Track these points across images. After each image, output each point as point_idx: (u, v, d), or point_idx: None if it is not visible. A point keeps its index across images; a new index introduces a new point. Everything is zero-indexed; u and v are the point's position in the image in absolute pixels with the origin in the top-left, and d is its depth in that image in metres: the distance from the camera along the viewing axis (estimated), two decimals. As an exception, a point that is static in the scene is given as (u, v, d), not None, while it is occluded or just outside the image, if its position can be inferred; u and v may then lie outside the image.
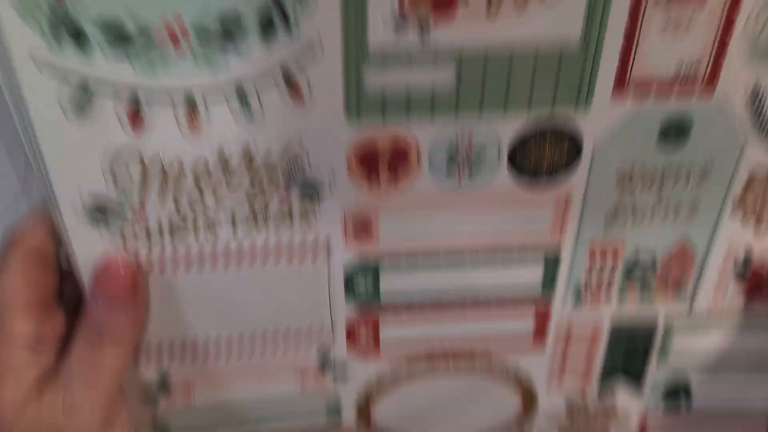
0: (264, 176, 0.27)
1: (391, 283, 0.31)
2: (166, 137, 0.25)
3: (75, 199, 0.26)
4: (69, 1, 0.22)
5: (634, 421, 0.36)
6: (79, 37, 0.23)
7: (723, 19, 0.25)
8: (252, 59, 0.24)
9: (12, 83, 0.23)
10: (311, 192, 0.28)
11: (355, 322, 0.32)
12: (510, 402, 0.36)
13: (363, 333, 0.32)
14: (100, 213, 0.26)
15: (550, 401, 0.36)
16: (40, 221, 0.30)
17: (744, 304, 0.33)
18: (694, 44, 0.25)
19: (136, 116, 0.25)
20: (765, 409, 0.35)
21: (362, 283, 0.31)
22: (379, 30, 0.24)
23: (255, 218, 0.28)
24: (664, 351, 0.34)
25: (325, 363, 0.32)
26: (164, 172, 0.26)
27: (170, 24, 0.23)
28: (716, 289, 0.32)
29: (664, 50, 0.25)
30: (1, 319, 0.28)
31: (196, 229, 0.28)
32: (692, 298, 0.32)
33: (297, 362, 0.32)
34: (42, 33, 0.22)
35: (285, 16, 0.23)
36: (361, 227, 0.29)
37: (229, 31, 0.23)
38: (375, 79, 0.25)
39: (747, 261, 0.31)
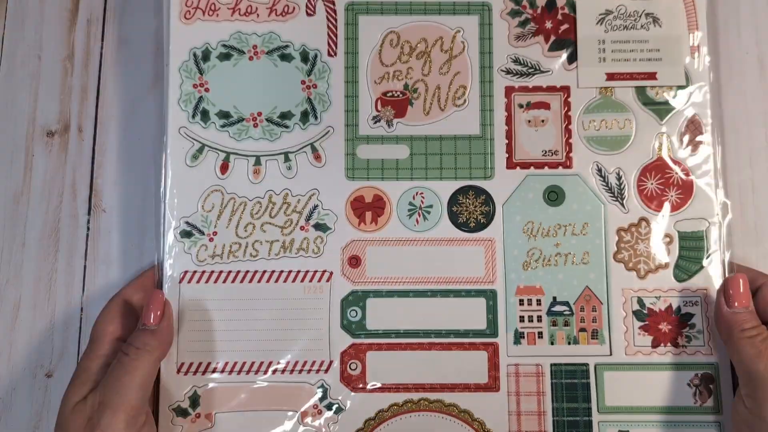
0: (293, 216, 0.48)
1: (375, 310, 0.48)
2: (239, 182, 0.48)
3: (175, 223, 0.49)
4: (204, 98, 0.48)
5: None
6: (206, 116, 0.47)
7: (563, 117, 0.48)
8: (294, 135, 0.48)
9: (165, 141, 0.48)
10: (322, 230, 0.48)
11: (348, 351, 0.48)
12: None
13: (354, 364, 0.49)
14: (187, 233, 0.47)
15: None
16: (140, 285, 0.50)
17: (651, 344, 0.47)
18: (549, 136, 0.48)
19: (225, 166, 0.48)
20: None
21: (354, 312, 0.47)
22: (365, 123, 0.49)
23: (284, 246, 0.47)
24: (600, 393, 0.47)
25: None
26: (234, 206, 0.47)
27: (254, 115, 0.48)
28: (625, 331, 0.47)
29: (532, 141, 0.48)
30: (94, 341, 0.48)
31: (245, 248, 0.47)
32: (610, 341, 0.47)
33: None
34: (188, 113, 0.47)
35: (314, 113, 0.48)
36: (353, 260, 0.48)
37: (283, 119, 0.48)
38: (363, 153, 0.48)
39: (641, 303, 0.47)
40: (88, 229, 0.54)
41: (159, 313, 0.47)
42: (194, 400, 0.48)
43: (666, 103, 0.51)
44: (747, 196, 0.54)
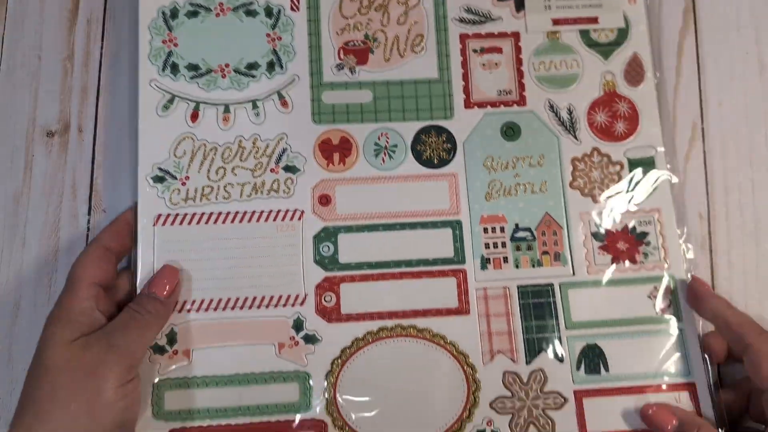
0: (263, 159, 0.50)
1: (347, 245, 0.50)
2: (209, 129, 0.51)
3: (148, 168, 0.52)
4: (173, 52, 0.51)
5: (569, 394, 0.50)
6: (175, 69, 0.50)
7: (515, 60, 0.53)
8: (261, 84, 0.51)
9: (137, 93, 0.51)
10: (292, 171, 0.50)
11: (321, 284, 0.50)
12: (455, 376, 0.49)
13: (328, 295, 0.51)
14: (160, 178, 0.49)
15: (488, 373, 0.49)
16: (116, 231, 0.52)
17: (611, 262, 0.51)
18: (503, 77, 0.52)
19: (195, 115, 0.50)
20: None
21: (326, 248, 0.50)
22: (328, 70, 0.52)
23: (255, 188, 0.50)
24: (566, 310, 0.50)
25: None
26: (205, 151, 0.50)
27: (222, 66, 0.51)
28: (586, 252, 0.50)
29: (487, 82, 0.52)
30: (74, 283, 0.49)
31: (217, 191, 0.50)
32: (572, 261, 0.51)
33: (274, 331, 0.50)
34: (158, 66, 0.50)
35: (280, 63, 0.51)
36: (324, 198, 0.50)
37: (250, 70, 0.51)
38: (328, 98, 0.52)
39: (599, 225, 0.51)
40: (88, 229, 0.55)
41: (170, 288, 0.50)
42: (171, 338, 0.50)
43: (609, 44, 0.56)
44: (747, 196, 0.57)
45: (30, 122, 0.57)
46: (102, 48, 0.58)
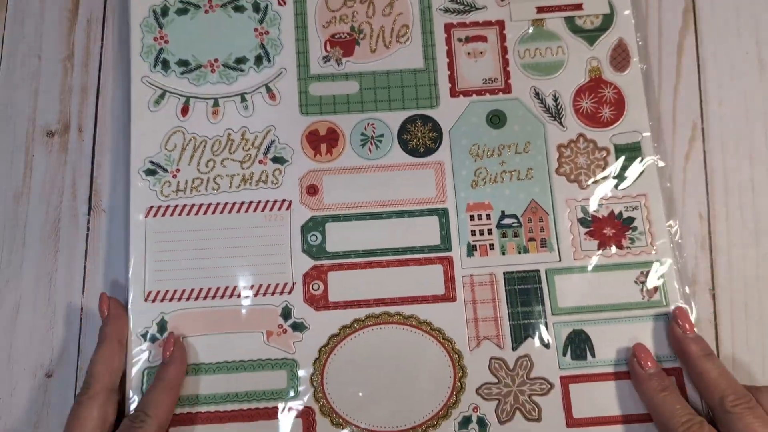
0: (252, 151, 0.50)
1: (334, 234, 0.51)
2: (199, 122, 0.52)
3: (140, 162, 0.52)
4: (164, 49, 0.51)
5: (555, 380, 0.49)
6: (166, 65, 0.51)
7: (500, 49, 0.52)
8: (249, 77, 0.51)
9: (129, 89, 0.52)
10: (280, 162, 0.50)
11: (309, 273, 0.50)
12: (441, 362, 0.49)
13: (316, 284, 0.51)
14: (152, 171, 0.50)
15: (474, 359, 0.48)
16: (123, 313, 0.51)
17: (597, 248, 0.50)
18: (488, 65, 0.52)
19: (185, 109, 0.51)
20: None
21: (314, 237, 0.50)
22: (315, 63, 0.52)
23: (244, 179, 0.50)
24: (552, 296, 0.50)
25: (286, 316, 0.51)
26: (195, 144, 0.50)
27: (211, 62, 0.52)
28: (572, 238, 0.50)
29: (472, 71, 0.52)
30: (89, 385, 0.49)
31: (207, 183, 0.50)
32: (558, 247, 0.50)
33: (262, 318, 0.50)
34: (149, 63, 0.51)
35: (268, 56, 0.51)
36: (311, 189, 0.50)
37: (239, 64, 0.51)
38: (315, 90, 0.52)
39: (585, 211, 0.50)
40: (88, 229, 0.55)
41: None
42: (162, 326, 0.51)
43: (594, 30, 0.56)
44: (747, 196, 0.56)
45: (30, 122, 0.57)
46: (102, 48, 0.58)
